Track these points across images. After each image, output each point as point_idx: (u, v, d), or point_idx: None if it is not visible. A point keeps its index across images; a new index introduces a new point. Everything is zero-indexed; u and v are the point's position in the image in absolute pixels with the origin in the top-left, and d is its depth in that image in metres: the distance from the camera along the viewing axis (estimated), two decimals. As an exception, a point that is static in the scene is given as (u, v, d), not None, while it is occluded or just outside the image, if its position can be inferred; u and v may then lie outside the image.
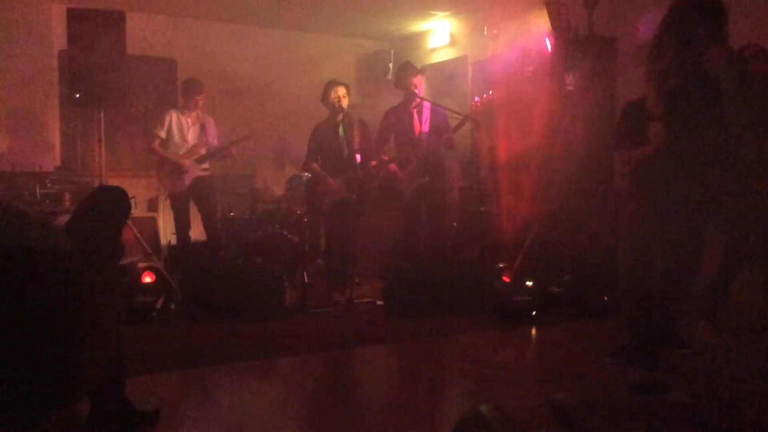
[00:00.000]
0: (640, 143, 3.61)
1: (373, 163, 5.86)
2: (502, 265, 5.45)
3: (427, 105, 5.88)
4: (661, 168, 3.46)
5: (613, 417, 1.18)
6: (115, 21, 5.71)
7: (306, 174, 6.22)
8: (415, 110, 5.87)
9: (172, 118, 6.33)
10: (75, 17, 5.67)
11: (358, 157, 5.76)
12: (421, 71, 5.97)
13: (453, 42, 8.65)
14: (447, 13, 8.39)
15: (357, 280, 6.11)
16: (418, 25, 8.89)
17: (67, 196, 5.98)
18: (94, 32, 5.61)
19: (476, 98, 5.76)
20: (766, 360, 3.56)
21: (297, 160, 6.65)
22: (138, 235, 5.87)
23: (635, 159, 3.71)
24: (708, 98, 3.27)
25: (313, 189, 5.94)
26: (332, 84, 5.84)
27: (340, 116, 5.81)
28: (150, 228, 7.51)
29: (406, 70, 5.90)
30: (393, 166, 5.88)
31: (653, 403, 1.26)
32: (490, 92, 5.72)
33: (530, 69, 6.50)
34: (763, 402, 2.74)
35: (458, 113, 5.78)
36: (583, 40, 6.07)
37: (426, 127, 5.84)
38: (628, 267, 3.78)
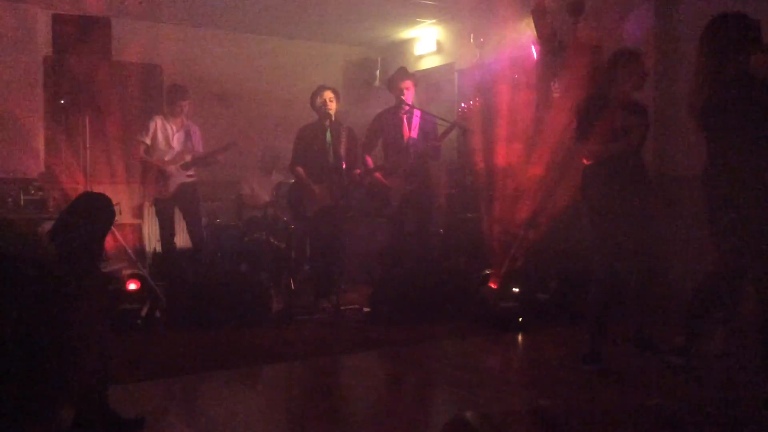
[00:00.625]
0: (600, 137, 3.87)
1: (357, 171, 5.86)
2: (488, 272, 5.46)
3: (417, 113, 5.90)
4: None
5: (598, 424, 1.19)
6: (101, 27, 5.70)
7: (292, 180, 6.21)
8: (405, 116, 5.89)
9: (157, 124, 6.29)
10: (60, 23, 5.65)
11: (343, 164, 5.75)
12: (413, 76, 6.00)
13: (440, 49, 8.68)
14: (434, 21, 8.42)
15: (343, 287, 6.10)
16: (405, 33, 8.91)
17: (51, 202, 5.95)
18: (79, 38, 5.60)
19: (462, 105, 5.79)
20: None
21: (285, 168, 6.64)
22: (123, 242, 5.84)
23: (608, 152, 3.86)
24: (752, 107, 3.31)
25: (296, 195, 5.92)
26: (321, 88, 5.84)
27: (328, 121, 5.80)
28: (135, 235, 7.46)
29: (397, 73, 5.97)
30: (377, 175, 5.89)
31: (638, 410, 1.27)
32: (476, 99, 5.75)
33: (516, 76, 6.54)
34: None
35: (447, 121, 5.81)
36: (568, 48, 6.11)
37: (415, 134, 5.86)
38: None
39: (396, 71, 6.04)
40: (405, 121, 5.88)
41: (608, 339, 4.10)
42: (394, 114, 5.94)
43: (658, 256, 3.91)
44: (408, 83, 5.85)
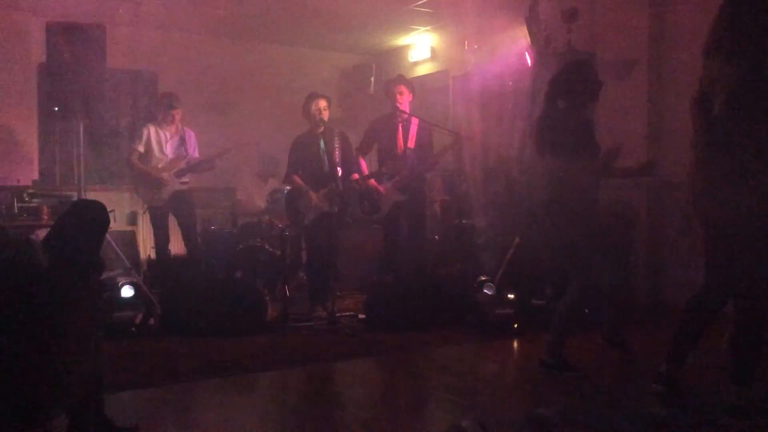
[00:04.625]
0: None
1: (355, 176, 5.86)
2: (483, 278, 5.46)
3: (415, 121, 5.91)
4: None
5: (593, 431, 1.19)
6: (95, 34, 5.67)
7: (287, 187, 6.21)
8: (401, 124, 5.90)
9: (150, 131, 6.27)
10: (54, 31, 5.62)
11: (339, 170, 5.76)
12: (408, 82, 6.02)
13: (434, 56, 8.71)
14: (428, 28, 8.45)
15: (339, 294, 6.09)
16: (399, 39, 8.94)
17: (46, 209, 5.92)
18: (73, 45, 5.56)
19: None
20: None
21: (281, 175, 6.64)
22: (117, 250, 5.82)
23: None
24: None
25: (293, 202, 5.92)
26: (313, 96, 5.84)
27: (321, 129, 5.81)
28: (129, 242, 7.44)
29: (392, 80, 6.02)
30: (372, 181, 5.89)
31: (635, 419, 1.27)
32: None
33: (510, 83, 6.56)
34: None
35: (444, 128, 5.85)
36: (561, 55, 6.13)
37: (412, 143, 5.88)
38: None
39: (391, 78, 6.08)
40: (401, 129, 5.89)
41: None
42: (389, 121, 5.95)
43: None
44: (402, 88, 5.87)
